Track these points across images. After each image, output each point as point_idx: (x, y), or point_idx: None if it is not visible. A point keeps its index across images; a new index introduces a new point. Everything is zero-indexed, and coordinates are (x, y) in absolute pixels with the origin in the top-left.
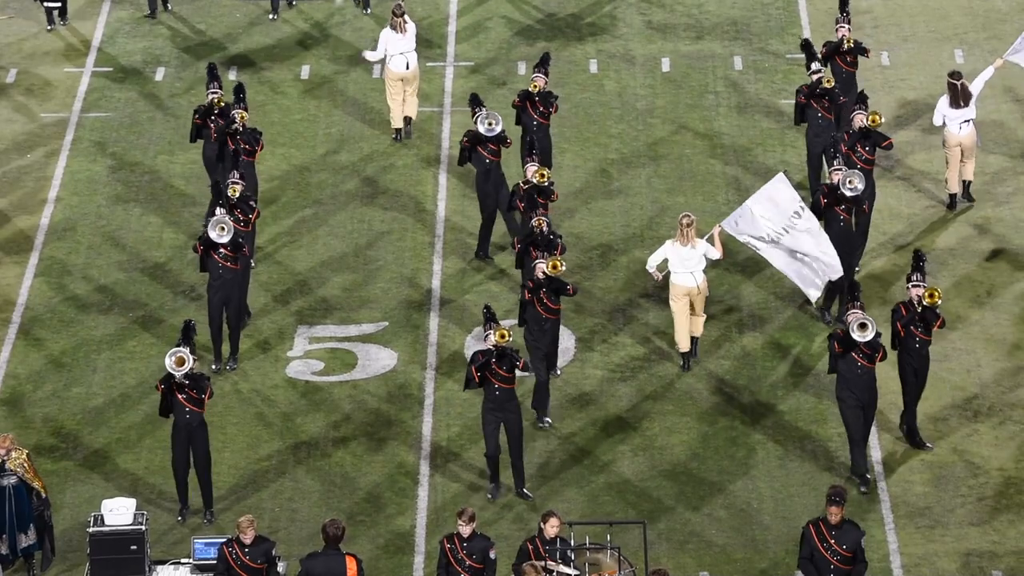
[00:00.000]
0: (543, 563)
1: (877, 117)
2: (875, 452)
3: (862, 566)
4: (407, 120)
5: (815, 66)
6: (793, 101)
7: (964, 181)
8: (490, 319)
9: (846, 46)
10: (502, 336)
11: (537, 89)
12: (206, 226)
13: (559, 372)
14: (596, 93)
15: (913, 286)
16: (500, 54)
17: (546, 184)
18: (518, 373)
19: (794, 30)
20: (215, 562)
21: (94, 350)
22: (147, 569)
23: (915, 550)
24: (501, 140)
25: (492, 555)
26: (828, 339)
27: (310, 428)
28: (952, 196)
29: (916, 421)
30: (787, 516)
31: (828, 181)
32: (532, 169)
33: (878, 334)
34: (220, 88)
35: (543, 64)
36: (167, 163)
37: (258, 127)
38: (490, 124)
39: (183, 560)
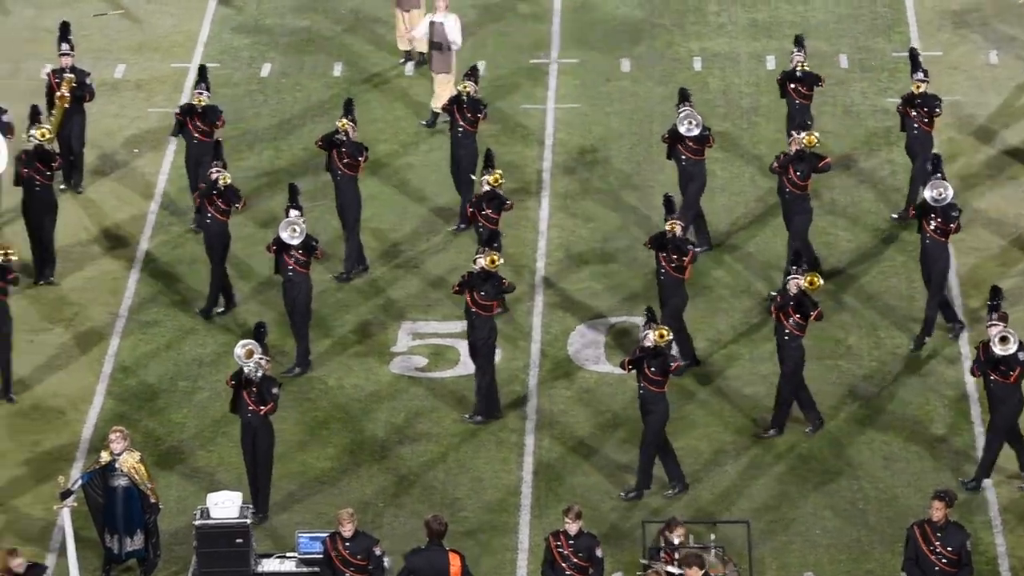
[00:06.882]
0: (648, 563)
1: (813, 139)
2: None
3: (966, 570)
4: (420, 54)
5: (918, 75)
6: (898, 100)
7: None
8: (651, 319)
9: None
10: (661, 336)
11: (467, 91)
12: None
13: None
14: (700, 91)
15: (792, 278)
16: (604, 51)
17: (498, 190)
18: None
19: (900, 28)
20: (320, 556)
21: (199, 344)
22: (253, 562)
23: None
24: (703, 140)
25: (598, 553)
26: (977, 347)
27: (414, 424)
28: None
29: (787, 410)
30: (892, 517)
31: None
32: (488, 176)
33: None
34: (208, 90)
35: (473, 73)
36: (272, 159)
37: (364, 143)
38: (690, 124)
39: (288, 554)
